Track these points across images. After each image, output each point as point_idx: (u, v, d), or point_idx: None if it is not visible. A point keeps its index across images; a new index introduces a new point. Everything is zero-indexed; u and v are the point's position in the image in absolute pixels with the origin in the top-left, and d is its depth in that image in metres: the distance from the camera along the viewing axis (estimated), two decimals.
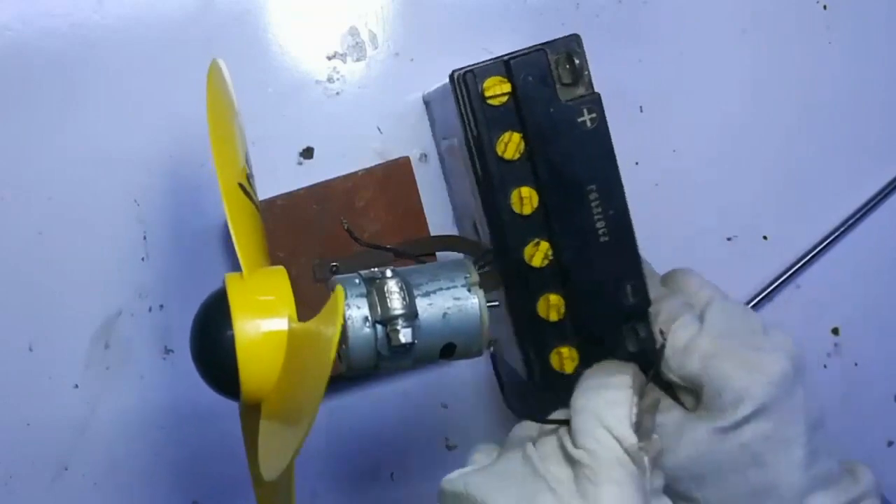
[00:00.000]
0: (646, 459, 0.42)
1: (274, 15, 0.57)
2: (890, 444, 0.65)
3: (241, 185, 0.41)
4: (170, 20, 0.56)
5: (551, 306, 0.46)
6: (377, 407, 0.61)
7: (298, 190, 0.56)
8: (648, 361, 0.46)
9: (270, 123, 0.58)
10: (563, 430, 0.43)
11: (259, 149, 0.58)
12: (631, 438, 0.41)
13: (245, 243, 0.39)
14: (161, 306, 0.58)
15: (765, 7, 0.61)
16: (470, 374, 0.61)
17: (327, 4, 0.58)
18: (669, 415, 0.46)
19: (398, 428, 0.61)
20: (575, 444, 0.41)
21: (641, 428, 0.43)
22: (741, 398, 0.43)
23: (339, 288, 0.37)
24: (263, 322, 0.37)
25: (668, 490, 0.45)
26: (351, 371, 0.40)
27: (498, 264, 0.47)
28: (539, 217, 0.46)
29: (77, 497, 0.58)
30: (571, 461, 0.41)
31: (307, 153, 0.58)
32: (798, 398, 0.44)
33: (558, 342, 0.47)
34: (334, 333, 0.34)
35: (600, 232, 0.46)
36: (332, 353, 0.34)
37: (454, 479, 0.43)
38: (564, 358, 0.47)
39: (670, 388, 0.47)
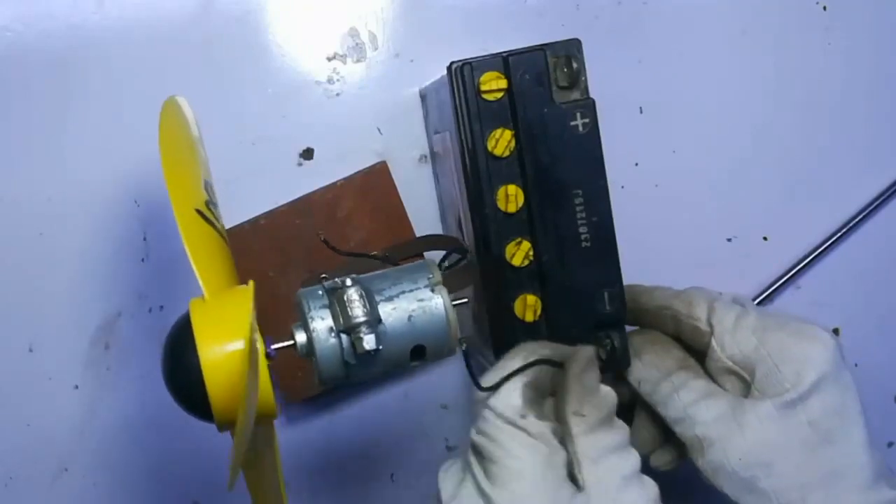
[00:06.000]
0: (545, 426, 0.41)
1: (274, 15, 0.57)
2: (890, 444, 0.65)
3: (198, 211, 0.41)
4: (170, 21, 0.56)
5: (528, 307, 0.47)
6: (378, 408, 0.61)
7: (280, 206, 0.56)
8: (614, 368, 0.47)
9: (270, 124, 0.58)
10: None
11: (259, 150, 0.58)
12: (508, 411, 0.41)
13: (205, 268, 0.39)
14: (161, 307, 0.58)
15: (765, 8, 0.61)
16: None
17: (327, 5, 0.58)
18: (719, 402, 0.44)
19: (398, 429, 0.61)
20: (476, 430, 0.42)
21: (545, 399, 0.43)
22: (803, 367, 0.42)
23: (251, 293, 0.38)
24: (227, 344, 0.37)
25: (724, 487, 0.44)
26: (324, 384, 0.40)
27: (478, 261, 0.47)
28: (523, 216, 0.46)
29: (77, 497, 0.58)
30: (476, 450, 0.42)
31: (307, 154, 0.58)
32: (848, 375, 0.44)
33: None
34: (244, 344, 0.35)
35: (582, 237, 0.46)
36: (245, 363, 0.34)
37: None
38: None
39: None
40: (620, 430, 0.43)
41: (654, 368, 0.47)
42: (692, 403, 0.45)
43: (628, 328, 0.49)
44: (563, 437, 0.42)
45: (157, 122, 0.56)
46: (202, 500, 0.60)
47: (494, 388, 0.43)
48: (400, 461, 0.61)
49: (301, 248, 0.56)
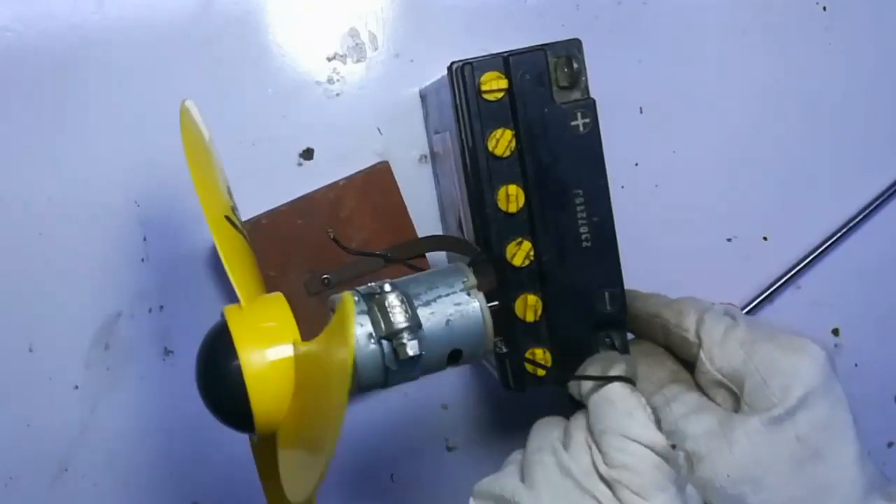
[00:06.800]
0: (680, 456, 0.41)
1: (274, 16, 0.57)
2: (890, 444, 0.65)
3: (227, 218, 0.41)
4: (170, 21, 0.56)
5: (528, 307, 0.47)
6: (377, 408, 0.61)
7: (281, 206, 0.56)
8: None
9: (270, 124, 0.58)
10: (594, 450, 0.42)
11: (259, 150, 0.58)
12: (662, 441, 0.40)
13: (239, 274, 0.39)
14: (161, 307, 0.58)
15: (765, 8, 0.61)
16: (470, 375, 0.61)
17: (327, 6, 0.58)
18: (709, 417, 0.44)
19: (398, 429, 0.61)
20: (608, 464, 0.41)
21: (661, 421, 0.42)
22: (791, 381, 0.42)
23: (346, 305, 0.35)
24: (269, 351, 0.37)
25: (714, 502, 0.43)
26: (362, 390, 0.40)
27: (490, 261, 0.47)
28: (524, 216, 0.46)
29: (77, 498, 0.58)
30: (608, 481, 0.40)
31: (307, 154, 0.58)
32: (839, 388, 0.43)
33: (533, 343, 0.47)
34: (347, 354, 0.33)
35: (583, 237, 0.46)
36: (349, 375, 0.32)
37: (494, 482, 0.43)
38: (538, 359, 0.47)
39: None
40: None
41: (647, 380, 0.47)
42: (683, 417, 0.44)
43: None
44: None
45: (157, 123, 0.56)
46: (202, 501, 0.60)
47: (602, 379, 0.42)
48: (400, 461, 0.61)
49: (302, 247, 0.56)
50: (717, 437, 0.43)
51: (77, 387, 0.58)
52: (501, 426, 0.62)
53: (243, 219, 0.56)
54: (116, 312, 0.58)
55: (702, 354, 0.45)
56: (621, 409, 0.41)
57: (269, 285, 0.55)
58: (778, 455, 0.42)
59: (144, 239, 0.58)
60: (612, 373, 0.43)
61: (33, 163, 0.56)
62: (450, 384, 0.61)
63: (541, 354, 0.47)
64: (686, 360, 0.47)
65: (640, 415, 0.41)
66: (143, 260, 0.58)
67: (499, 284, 0.47)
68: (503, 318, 0.47)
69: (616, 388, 0.42)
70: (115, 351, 0.58)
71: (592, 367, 0.44)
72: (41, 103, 0.56)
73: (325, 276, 0.56)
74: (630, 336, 0.51)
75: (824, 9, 0.62)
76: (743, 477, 0.42)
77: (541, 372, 0.47)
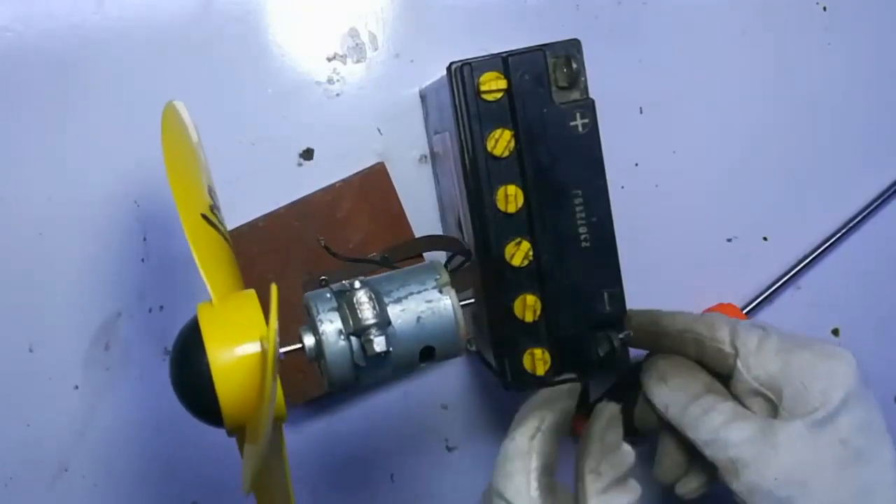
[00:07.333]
0: None
1: (274, 16, 0.57)
2: None
3: (204, 216, 0.41)
4: (170, 21, 0.56)
5: (527, 307, 0.47)
6: (377, 408, 0.61)
7: (278, 209, 0.56)
8: (613, 368, 0.48)
9: (270, 124, 0.58)
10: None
11: (259, 150, 0.58)
12: None
13: (212, 272, 0.39)
14: (161, 307, 0.58)
15: (765, 8, 0.61)
16: (470, 375, 0.61)
17: (327, 6, 0.58)
18: (749, 424, 0.44)
19: (398, 429, 0.61)
20: None
21: (554, 481, 0.44)
22: (830, 385, 0.43)
23: (274, 294, 0.37)
24: (237, 348, 0.37)
25: None
26: (333, 387, 0.40)
27: (477, 261, 0.47)
28: (523, 216, 0.46)
29: (77, 498, 0.58)
30: None
31: (307, 154, 0.58)
32: (871, 392, 0.44)
33: (532, 343, 0.47)
34: (268, 346, 0.34)
35: (582, 237, 0.46)
36: (270, 364, 0.34)
37: None
38: (537, 359, 0.47)
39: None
40: (633, 492, 0.45)
41: (682, 392, 0.47)
42: (723, 425, 0.45)
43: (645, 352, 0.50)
44: (577, 494, 0.44)
45: (157, 123, 0.56)
46: (201, 500, 0.60)
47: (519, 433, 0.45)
48: (400, 461, 0.61)
49: (300, 250, 0.56)
50: (761, 442, 0.43)
51: (77, 387, 0.58)
52: (501, 426, 0.62)
53: (241, 221, 0.56)
54: (116, 312, 0.58)
55: (739, 364, 0.46)
56: (508, 469, 0.44)
57: (267, 288, 0.55)
58: (823, 457, 0.43)
59: (144, 239, 0.58)
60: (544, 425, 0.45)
61: (33, 163, 0.56)
62: (450, 384, 0.61)
63: (540, 354, 0.47)
64: (716, 373, 0.48)
65: (517, 479, 0.44)
66: (143, 260, 0.58)
67: (496, 284, 0.47)
68: (502, 318, 0.47)
69: (512, 445, 0.45)
70: (115, 351, 0.58)
71: (535, 405, 0.47)
72: (41, 103, 0.56)
73: (323, 277, 0.56)
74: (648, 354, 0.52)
75: (824, 9, 0.62)
76: (791, 480, 0.43)
77: (540, 371, 0.47)
